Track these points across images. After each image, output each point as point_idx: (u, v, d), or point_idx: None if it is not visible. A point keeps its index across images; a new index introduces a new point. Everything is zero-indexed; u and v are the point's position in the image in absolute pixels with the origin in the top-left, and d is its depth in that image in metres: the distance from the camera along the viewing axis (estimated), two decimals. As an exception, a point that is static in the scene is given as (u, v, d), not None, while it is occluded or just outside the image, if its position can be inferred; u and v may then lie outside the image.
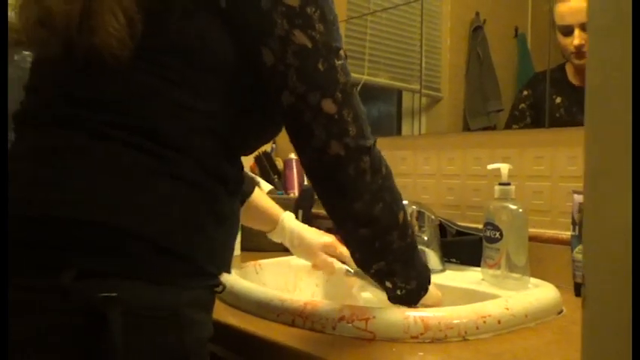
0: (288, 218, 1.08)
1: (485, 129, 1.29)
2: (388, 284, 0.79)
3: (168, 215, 0.62)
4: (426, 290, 0.82)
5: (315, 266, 1.08)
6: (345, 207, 0.70)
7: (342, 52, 0.68)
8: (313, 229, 1.09)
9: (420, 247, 0.87)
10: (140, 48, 0.61)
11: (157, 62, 0.63)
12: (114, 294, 0.56)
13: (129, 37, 0.61)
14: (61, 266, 0.57)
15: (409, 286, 0.79)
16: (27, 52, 0.73)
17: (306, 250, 1.07)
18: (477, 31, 1.33)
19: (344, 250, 1.05)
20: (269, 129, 0.76)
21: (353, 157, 0.67)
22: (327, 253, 1.06)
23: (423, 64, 1.44)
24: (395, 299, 0.81)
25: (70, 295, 0.56)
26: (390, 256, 0.75)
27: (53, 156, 0.63)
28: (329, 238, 1.07)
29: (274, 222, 1.07)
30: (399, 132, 1.52)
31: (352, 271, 1.03)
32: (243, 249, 1.37)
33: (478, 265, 1.04)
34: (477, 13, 1.33)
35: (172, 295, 0.61)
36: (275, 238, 1.09)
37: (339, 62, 0.67)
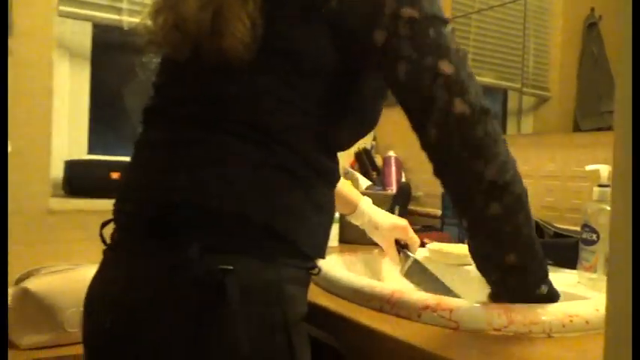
0: (366, 203, 1.14)
1: (598, 129, 1.25)
2: (520, 284, 0.77)
3: (274, 203, 0.69)
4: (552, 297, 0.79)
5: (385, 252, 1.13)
6: (478, 173, 0.68)
7: (449, 24, 0.72)
8: (387, 212, 1.14)
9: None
10: (258, 50, 0.69)
11: (270, 63, 0.71)
12: (230, 267, 0.64)
13: (252, 40, 0.69)
14: (188, 242, 0.66)
15: (544, 285, 0.77)
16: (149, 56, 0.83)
17: (380, 233, 1.12)
18: (591, 27, 1.30)
19: (414, 237, 1.09)
20: (362, 127, 0.82)
21: (478, 117, 0.68)
22: (396, 236, 1.10)
23: (531, 63, 1.42)
24: (534, 299, 0.77)
25: (195, 265, 0.65)
26: (520, 246, 0.73)
27: (179, 148, 0.72)
28: (401, 221, 1.12)
29: (354, 206, 1.13)
30: (503, 131, 1.51)
31: (411, 255, 1.06)
32: (341, 241, 1.44)
33: (574, 268, 1.02)
34: (592, 9, 1.29)
35: (277, 272, 0.69)
36: (354, 220, 1.15)
37: (447, 30, 0.71)
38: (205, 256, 0.65)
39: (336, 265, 1.06)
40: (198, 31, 0.71)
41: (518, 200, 0.71)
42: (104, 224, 0.79)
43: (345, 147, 0.82)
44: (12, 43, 1.44)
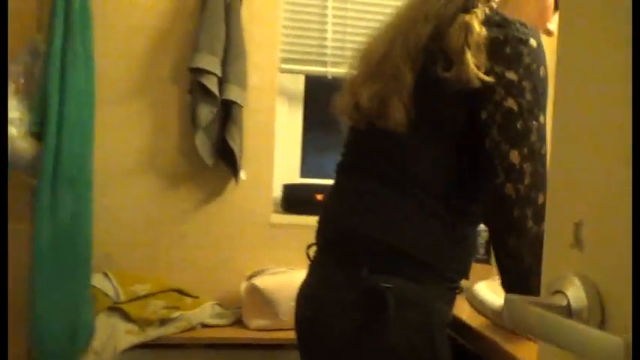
0: None
1: None
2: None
3: (425, 240, 0.97)
4: None
5: None
6: (503, 241, 0.92)
7: (542, 119, 0.92)
8: None
9: None
10: (413, 123, 0.97)
11: (422, 131, 0.98)
12: (389, 285, 0.93)
13: (407, 119, 0.97)
14: (360, 264, 0.96)
15: None
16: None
17: None
18: None
19: None
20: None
21: (521, 202, 0.89)
22: None
23: None
24: None
25: (364, 282, 0.95)
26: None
27: (358, 195, 1.03)
28: None
29: None
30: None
31: None
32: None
33: None
34: None
35: (425, 290, 0.96)
36: None
37: (536, 125, 0.91)
38: (372, 276, 0.95)
39: (483, 284, 1.27)
40: (370, 114, 1.01)
41: (528, 271, 0.92)
42: (309, 246, 1.13)
43: (479, 193, 1.04)
44: (245, 96, 1.90)
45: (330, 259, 1.05)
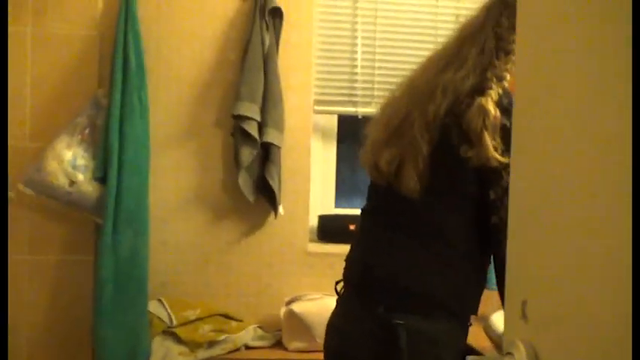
0: None
1: None
2: None
3: (439, 285, 1.13)
4: None
5: None
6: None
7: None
8: None
9: None
10: (426, 189, 1.13)
11: (434, 195, 1.14)
12: (402, 322, 1.09)
13: (419, 187, 1.13)
14: (378, 302, 1.13)
15: None
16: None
17: None
18: None
19: None
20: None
21: None
22: None
23: None
24: None
25: (381, 318, 1.11)
26: None
27: (378, 240, 1.20)
28: None
29: None
30: None
31: None
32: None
33: None
34: None
35: (438, 326, 1.12)
36: None
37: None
38: (387, 313, 1.11)
39: (500, 316, 1.41)
40: (388, 176, 1.18)
41: None
42: (337, 282, 1.30)
43: (489, 247, 1.19)
44: (283, 137, 2.08)
45: (353, 295, 1.22)
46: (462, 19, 1.26)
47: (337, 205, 2.37)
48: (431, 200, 1.14)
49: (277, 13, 2.07)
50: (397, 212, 1.19)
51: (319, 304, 1.99)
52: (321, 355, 1.92)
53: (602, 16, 0.53)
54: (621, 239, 0.48)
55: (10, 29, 1.86)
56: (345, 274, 1.28)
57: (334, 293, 1.30)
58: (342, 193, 2.40)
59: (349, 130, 2.35)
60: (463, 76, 1.14)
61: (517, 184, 0.70)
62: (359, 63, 2.20)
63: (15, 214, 1.95)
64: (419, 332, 1.11)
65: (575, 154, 0.56)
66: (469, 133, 1.09)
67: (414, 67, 1.27)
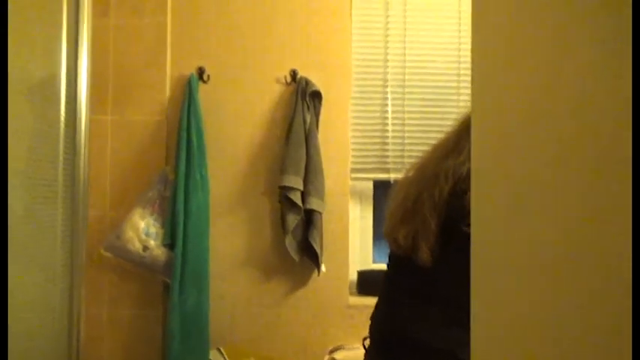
0: None
1: None
2: None
3: (456, 344, 1.36)
4: None
5: None
6: None
7: None
8: None
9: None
10: (438, 260, 1.38)
11: (447, 266, 1.38)
12: None
13: (431, 259, 1.38)
14: (398, 358, 1.38)
15: None
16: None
17: None
18: None
19: None
20: None
21: None
22: None
23: None
24: None
25: None
26: None
27: (397, 304, 1.45)
28: None
29: None
30: None
31: None
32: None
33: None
34: None
35: None
36: None
37: None
38: None
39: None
40: (405, 249, 1.44)
41: None
42: (364, 339, 1.55)
43: None
44: (324, 204, 2.37)
45: (377, 351, 1.47)
46: (462, 113, 1.52)
47: (375, 260, 2.62)
48: (442, 269, 1.39)
49: (317, 96, 2.39)
50: (414, 280, 1.44)
51: (358, 354, 2.23)
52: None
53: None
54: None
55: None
56: (370, 332, 1.53)
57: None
58: (379, 248, 2.65)
59: (384, 192, 2.62)
60: (461, 162, 1.39)
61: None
62: (390, 134, 2.48)
63: (96, 274, 2.29)
64: None
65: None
66: (469, 210, 1.35)
67: (423, 153, 1.54)
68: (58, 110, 1.47)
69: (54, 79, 1.47)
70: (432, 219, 1.40)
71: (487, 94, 0.62)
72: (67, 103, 1.49)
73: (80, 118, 1.50)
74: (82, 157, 1.48)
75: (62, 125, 1.45)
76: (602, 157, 0.43)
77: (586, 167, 0.45)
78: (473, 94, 0.64)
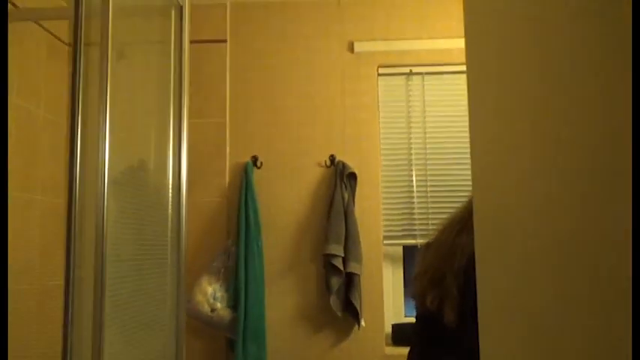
0: None
1: None
2: None
3: None
4: None
5: None
6: None
7: None
8: None
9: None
10: (461, 319, 1.78)
11: (469, 324, 1.78)
12: None
13: (456, 319, 1.77)
14: None
15: None
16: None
17: None
18: None
19: None
20: None
21: None
22: None
23: None
24: None
25: None
26: None
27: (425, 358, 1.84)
28: None
29: None
30: None
31: None
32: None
33: None
34: None
35: None
36: None
37: None
38: None
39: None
40: (432, 311, 1.84)
41: None
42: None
43: None
44: (361, 267, 2.78)
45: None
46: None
47: (406, 315, 3.00)
48: (465, 328, 1.78)
49: (352, 176, 2.84)
50: (441, 337, 1.83)
51: (396, 397, 2.60)
52: None
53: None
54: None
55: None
56: None
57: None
58: (409, 303, 3.03)
59: (412, 255, 3.02)
60: (472, 239, 1.81)
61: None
62: (415, 206, 2.91)
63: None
64: None
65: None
66: None
67: (441, 225, 1.96)
68: (167, 195, 1.92)
69: (164, 168, 1.93)
70: (454, 287, 1.80)
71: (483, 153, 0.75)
72: (173, 188, 1.95)
73: (183, 202, 1.95)
74: (183, 236, 1.93)
75: (170, 209, 1.91)
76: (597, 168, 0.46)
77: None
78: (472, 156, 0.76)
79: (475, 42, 0.71)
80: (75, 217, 1.34)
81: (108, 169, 1.38)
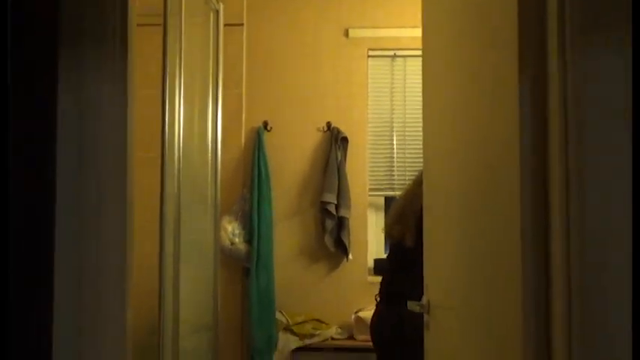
0: None
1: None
2: None
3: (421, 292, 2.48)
4: None
5: None
6: None
7: None
8: None
9: None
10: (415, 243, 2.48)
11: (419, 245, 2.49)
12: (405, 314, 2.45)
13: (413, 242, 2.47)
14: (395, 305, 2.49)
15: None
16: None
17: None
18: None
19: None
20: None
21: None
22: None
23: None
24: None
25: (395, 313, 2.48)
26: None
27: (394, 272, 2.56)
28: None
29: None
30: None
31: None
32: None
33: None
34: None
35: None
36: None
37: None
38: (399, 310, 2.47)
39: None
40: (398, 238, 2.54)
41: None
42: (376, 296, 2.65)
43: None
44: (350, 212, 3.47)
45: (381, 301, 2.56)
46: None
47: (385, 252, 3.72)
48: (420, 251, 2.47)
49: (344, 139, 3.50)
50: (404, 256, 2.53)
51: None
52: (377, 343, 3.26)
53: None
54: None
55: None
56: (379, 291, 2.62)
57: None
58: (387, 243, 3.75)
59: (391, 204, 3.72)
60: (422, 192, 2.49)
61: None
62: (395, 165, 3.59)
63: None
64: (411, 318, 2.43)
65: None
66: None
67: (406, 185, 2.65)
68: (207, 153, 2.60)
69: (205, 131, 2.61)
70: (411, 222, 2.50)
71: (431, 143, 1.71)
72: (211, 150, 2.63)
73: (218, 159, 2.63)
74: (218, 185, 2.61)
75: (210, 165, 2.59)
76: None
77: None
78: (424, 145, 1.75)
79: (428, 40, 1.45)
80: (165, 165, 1.99)
81: (183, 130, 2.06)
